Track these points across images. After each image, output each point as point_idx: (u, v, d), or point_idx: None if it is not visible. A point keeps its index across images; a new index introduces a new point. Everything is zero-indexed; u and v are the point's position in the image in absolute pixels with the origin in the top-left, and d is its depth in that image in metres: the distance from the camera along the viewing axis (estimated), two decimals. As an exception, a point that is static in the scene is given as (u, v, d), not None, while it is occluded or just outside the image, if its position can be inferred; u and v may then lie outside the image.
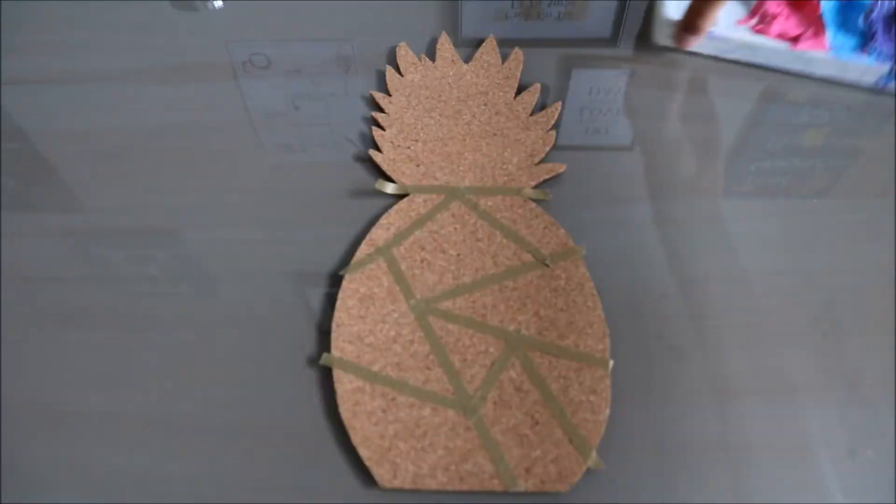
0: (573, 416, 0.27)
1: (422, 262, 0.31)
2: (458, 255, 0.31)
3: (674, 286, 0.31)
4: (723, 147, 0.36)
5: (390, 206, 0.33)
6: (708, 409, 0.27)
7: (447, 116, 0.36)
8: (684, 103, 0.38)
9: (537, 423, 0.27)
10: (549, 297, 0.30)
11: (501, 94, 0.37)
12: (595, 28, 0.41)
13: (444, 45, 0.39)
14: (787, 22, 0.38)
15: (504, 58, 0.39)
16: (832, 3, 0.38)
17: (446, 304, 0.30)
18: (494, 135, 0.35)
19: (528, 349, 0.28)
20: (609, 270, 0.31)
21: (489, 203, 0.33)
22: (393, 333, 0.29)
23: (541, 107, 0.37)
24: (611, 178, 0.34)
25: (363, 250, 0.31)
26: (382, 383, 0.28)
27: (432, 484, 0.25)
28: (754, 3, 0.38)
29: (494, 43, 0.39)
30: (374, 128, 0.36)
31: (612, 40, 0.40)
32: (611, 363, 0.28)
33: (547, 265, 0.31)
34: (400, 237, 0.32)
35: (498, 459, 0.26)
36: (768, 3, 0.38)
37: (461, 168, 0.34)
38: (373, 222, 0.32)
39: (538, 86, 0.37)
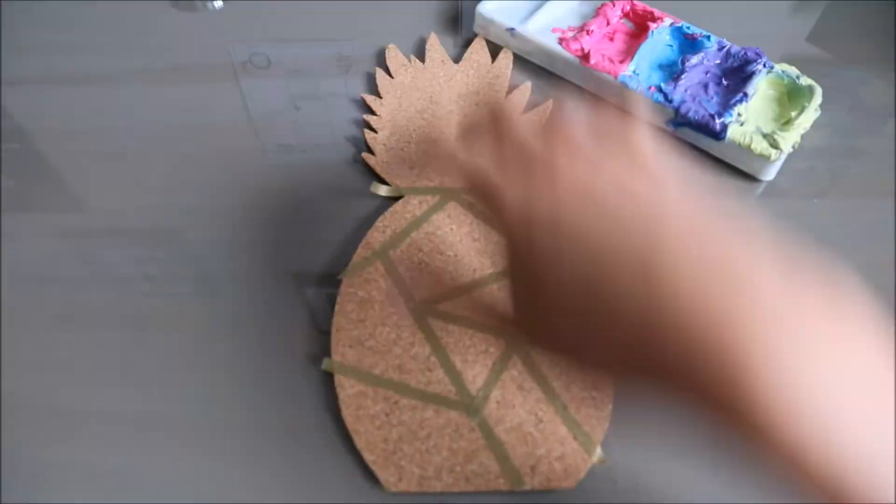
0: (576, 413, 0.27)
1: (419, 263, 0.31)
2: (456, 255, 0.31)
3: None
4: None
5: (386, 209, 0.33)
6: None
7: (439, 117, 0.36)
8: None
9: (541, 420, 0.27)
10: (547, 295, 0.30)
11: (493, 93, 0.37)
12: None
13: (434, 46, 0.39)
14: (602, 43, 0.38)
15: (493, 57, 0.39)
16: (666, 41, 0.38)
17: (445, 306, 0.30)
18: (487, 134, 0.35)
19: (529, 348, 0.28)
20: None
21: (484, 203, 0.33)
22: (393, 336, 0.29)
23: (532, 106, 0.37)
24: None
25: (360, 254, 0.31)
26: (384, 387, 0.28)
27: (438, 486, 0.25)
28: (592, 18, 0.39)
29: (483, 42, 0.39)
30: (366, 131, 0.35)
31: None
32: (611, 359, 0.28)
33: (544, 263, 0.31)
34: (396, 240, 0.31)
35: (503, 459, 0.26)
36: (597, 20, 0.38)
37: (455, 169, 0.34)
38: (369, 225, 0.32)
39: (528, 84, 0.37)
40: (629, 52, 0.37)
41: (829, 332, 0.17)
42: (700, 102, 0.35)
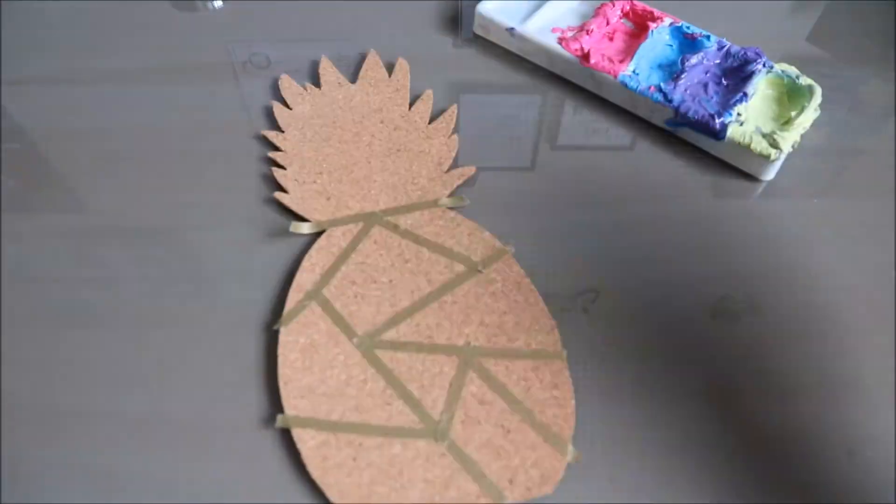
0: (542, 415, 0.27)
1: (355, 296, 0.30)
2: (391, 281, 0.30)
3: (673, 284, 0.31)
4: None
5: (310, 246, 0.31)
6: (708, 409, 0.28)
7: (346, 142, 0.35)
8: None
9: (509, 431, 0.27)
10: (489, 303, 0.30)
11: (395, 107, 0.36)
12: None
13: (327, 69, 0.38)
14: (602, 42, 0.38)
15: (389, 70, 0.38)
16: (666, 41, 0.38)
17: (390, 335, 0.29)
18: (398, 151, 0.35)
19: (482, 360, 0.28)
20: (541, 261, 0.31)
21: (408, 221, 0.32)
22: (344, 377, 0.28)
23: (437, 113, 0.36)
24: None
25: (293, 298, 0.30)
26: (346, 431, 0.27)
27: (420, 520, 0.25)
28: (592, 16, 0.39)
29: (377, 57, 0.39)
30: (273, 168, 0.34)
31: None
32: (564, 353, 0.28)
33: (480, 271, 0.31)
34: (327, 276, 0.31)
35: (480, 477, 0.26)
36: (596, 19, 0.39)
37: (372, 192, 0.33)
38: (296, 266, 0.31)
39: (430, 92, 0.37)
40: (629, 52, 0.37)
41: None
42: (700, 102, 0.35)
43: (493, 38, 0.40)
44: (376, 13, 0.43)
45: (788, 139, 0.33)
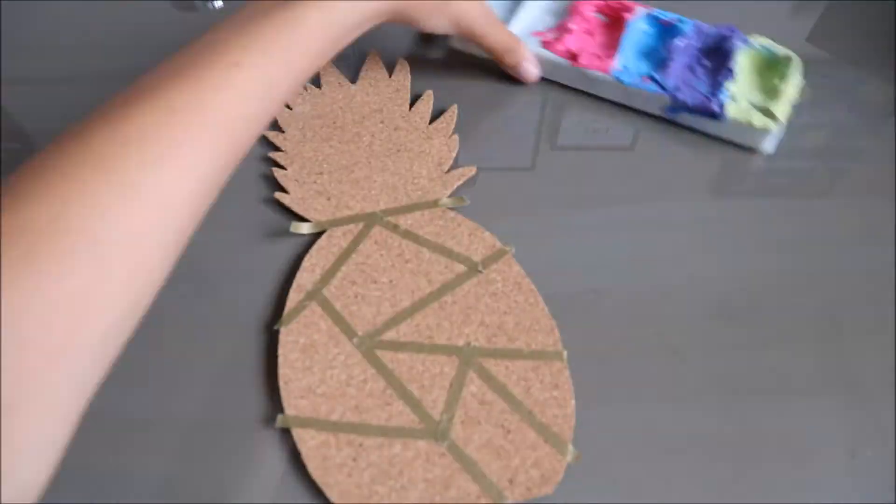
0: (542, 416, 0.27)
1: (356, 296, 0.30)
2: (391, 281, 0.30)
3: (673, 284, 0.31)
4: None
5: (311, 247, 0.31)
6: (708, 409, 0.28)
7: (346, 142, 0.35)
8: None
9: (509, 431, 0.27)
10: (490, 304, 0.30)
11: (396, 107, 0.36)
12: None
13: (328, 69, 0.38)
14: (584, 40, 0.38)
15: (389, 70, 0.38)
16: (644, 29, 0.38)
17: (390, 335, 0.29)
18: (398, 151, 0.35)
19: (482, 360, 0.28)
20: (539, 263, 0.31)
21: (409, 221, 0.32)
22: (344, 377, 0.28)
23: (437, 113, 0.36)
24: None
25: (293, 298, 0.30)
26: (346, 431, 0.27)
27: (420, 520, 0.25)
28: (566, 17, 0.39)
29: (378, 58, 0.39)
30: (274, 169, 0.34)
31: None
32: (564, 353, 0.28)
33: (480, 271, 0.31)
34: (327, 276, 0.31)
35: (480, 478, 0.26)
36: (572, 17, 0.38)
37: (373, 192, 0.33)
38: (296, 266, 0.31)
39: (430, 93, 0.37)
40: (611, 46, 0.37)
41: None
42: (692, 86, 0.35)
43: (472, 50, 0.39)
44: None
45: (783, 109, 0.34)
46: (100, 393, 0.28)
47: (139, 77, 0.25)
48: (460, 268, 0.31)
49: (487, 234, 0.32)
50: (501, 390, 0.27)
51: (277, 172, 0.34)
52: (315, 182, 0.33)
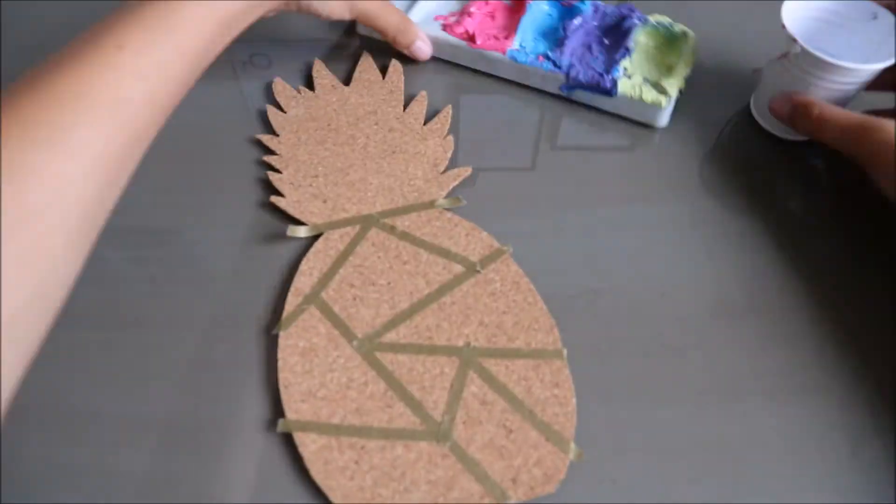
0: (543, 414, 0.27)
1: (354, 299, 0.30)
2: (389, 283, 0.30)
3: (672, 286, 0.31)
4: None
5: (307, 250, 0.31)
6: (709, 409, 0.28)
7: (341, 144, 0.35)
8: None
9: (511, 430, 0.27)
10: (489, 303, 0.30)
11: (390, 109, 0.36)
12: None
13: (321, 72, 0.38)
14: (484, 22, 0.39)
15: (382, 72, 0.38)
16: (546, 11, 0.39)
17: (390, 337, 0.29)
18: (393, 152, 0.35)
19: (482, 360, 0.28)
20: (538, 262, 0.31)
21: (406, 223, 0.32)
22: (344, 380, 0.28)
23: (432, 114, 0.36)
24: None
25: (291, 302, 0.30)
26: (347, 434, 0.27)
27: (424, 522, 0.25)
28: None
29: (371, 60, 0.39)
30: (269, 172, 0.34)
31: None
32: (564, 352, 0.28)
33: (478, 271, 0.31)
34: (325, 279, 0.30)
35: (483, 478, 0.26)
36: (474, 2, 0.39)
37: (369, 194, 0.33)
38: (294, 270, 0.31)
39: (424, 94, 0.37)
40: (512, 28, 0.38)
41: None
42: (587, 63, 0.36)
43: (377, 35, 0.39)
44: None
45: (675, 84, 0.35)
46: (102, 396, 0.28)
47: (28, 69, 0.25)
48: (458, 268, 0.31)
49: (485, 234, 0.32)
50: (502, 390, 0.27)
51: (273, 176, 0.34)
52: (311, 185, 0.33)
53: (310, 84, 0.38)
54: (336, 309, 0.30)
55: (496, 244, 0.31)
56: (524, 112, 0.37)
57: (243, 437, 0.27)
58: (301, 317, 0.29)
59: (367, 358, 0.28)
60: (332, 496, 0.25)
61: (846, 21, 0.33)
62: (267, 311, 0.30)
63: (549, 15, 0.39)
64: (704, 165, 0.35)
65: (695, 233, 0.33)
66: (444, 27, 0.38)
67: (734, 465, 0.26)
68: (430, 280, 0.30)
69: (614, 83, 0.35)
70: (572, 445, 0.26)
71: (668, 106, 0.35)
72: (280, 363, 0.28)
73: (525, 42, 0.38)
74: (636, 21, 0.37)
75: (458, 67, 0.39)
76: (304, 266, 0.31)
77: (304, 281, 0.30)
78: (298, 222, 0.32)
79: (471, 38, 0.38)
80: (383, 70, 0.38)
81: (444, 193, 0.33)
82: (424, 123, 0.36)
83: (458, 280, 0.30)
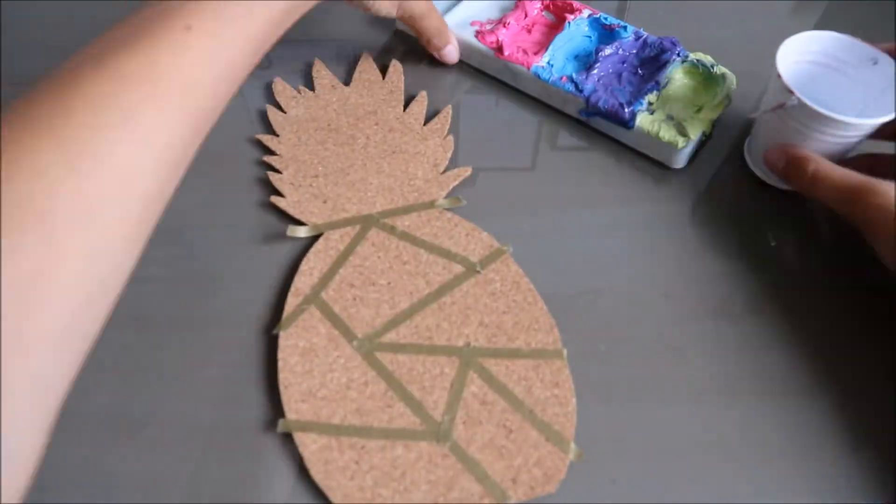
0: (543, 414, 0.27)
1: (354, 299, 0.30)
2: (389, 283, 0.30)
3: (672, 286, 0.31)
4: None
5: (308, 250, 0.31)
6: (709, 409, 0.28)
7: (341, 144, 0.35)
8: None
9: (511, 430, 0.27)
10: (489, 303, 0.30)
11: (390, 109, 0.36)
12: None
13: (321, 72, 0.38)
14: (519, 35, 0.39)
15: (382, 72, 0.38)
16: (585, 32, 0.39)
17: (390, 337, 0.29)
18: (394, 152, 0.35)
19: (482, 360, 0.28)
20: (536, 263, 0.31)
21: (406, 223, 0.32)
22: (344, 380, 0.28)
23: (432, 114, 0.36)
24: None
25: (291, 302, 0.30)
26: (348, 434, 0.27)
27: (424, 522, 0.25)
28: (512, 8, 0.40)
29: (371, 60, 0.39)
30: (269, 172, 0.34)
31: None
32: (564, 352, 0.28)
33: (478, 271, 0.31)
34: (325, 279, 0.30)
35: (483, 478, 0.26)
36: (514, 12, 0.39)
37: (369, 194, 0.33)
38: (294, 270, 0.31)
39: (424, 94, 0.37)
40: (546, 44, 0.38)
41: None
42: (612, 92, 0.35)
43: (413, 32, 0.39)
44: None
45: (698, 127, 0.34)
46: (104, 396, 0.28)
47: (85, 45, 0.23)
48: (458, 268, 0.31)
49: (485, 234, 0.32)
50: (502, 390, 0.27)
51: (273, 176, 0.34)
52: (311, 185, 0.33)
53: (310, 84, 0.38)
54: (336, 309, 0.30)
55: (496, 244, 0.31)
56: (524, 112, 0.37)
57: (243, 437, 0.27)
58: (301, 317, 0.29)
59: (367, 358, 0.28)
60: (332, 496, 0.25)
61: (845, 67, 0.32)
62: (267, 311, 0.30)
63: (588, 37, 0.38)
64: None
65: (695, 233, 0.33)
66: (478, 34, 0.38)
67: (734, 465, 0.26)
68: (430, 280, 0.30)
69: (633, 115, 0.34)
70: (572, 445, 0.26)
71: (686, 147, 0.33)
72: (280, 363, 0.28)
73: (554, 60, 0.37)
74: (675, 56, 0.36)
75: (458, 68, 0.39)
76: (304, 266, 0.31)
77: (304, 281, 0.30)
78: (298, 222, 0.32)
79: (499, 49, 0.37)
80: (383, 70, 0.38)
81: (444, 193, 0.33)
82: (424, 123, 0.36)
83: (458, 280, 0.30)
